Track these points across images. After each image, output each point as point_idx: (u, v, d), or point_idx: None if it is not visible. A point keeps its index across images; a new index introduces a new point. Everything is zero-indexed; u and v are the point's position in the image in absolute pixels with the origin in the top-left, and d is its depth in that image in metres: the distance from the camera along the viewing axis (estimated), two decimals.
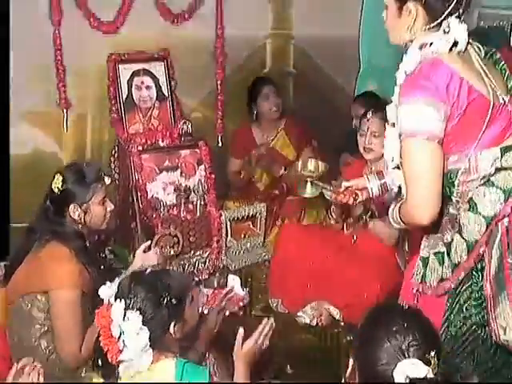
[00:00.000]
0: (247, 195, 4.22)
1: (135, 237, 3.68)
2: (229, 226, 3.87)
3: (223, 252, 3.87)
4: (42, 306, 2.59)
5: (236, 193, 4.29)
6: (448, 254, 2.19)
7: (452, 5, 2.08)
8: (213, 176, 3.82)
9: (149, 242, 2.86)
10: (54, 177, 2.67)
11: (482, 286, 2.14)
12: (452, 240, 2.18)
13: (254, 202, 4.03)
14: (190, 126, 3.87)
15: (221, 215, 3.81)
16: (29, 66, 3.68)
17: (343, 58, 4.71)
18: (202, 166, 3.82)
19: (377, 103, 4.13)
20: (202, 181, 3.81)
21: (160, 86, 3.96)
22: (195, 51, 4.21)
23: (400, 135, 2.12)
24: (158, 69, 3.96)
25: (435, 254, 2.23)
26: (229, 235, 3.89)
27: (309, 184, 2.80)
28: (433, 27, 2.11)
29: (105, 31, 3.83)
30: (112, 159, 3.94)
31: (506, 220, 2.09)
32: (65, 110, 3.81)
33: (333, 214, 3.52)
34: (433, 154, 2.09)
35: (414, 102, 2.05)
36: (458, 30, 2.10)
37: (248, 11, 4.24)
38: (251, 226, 4.03)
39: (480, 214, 2.12)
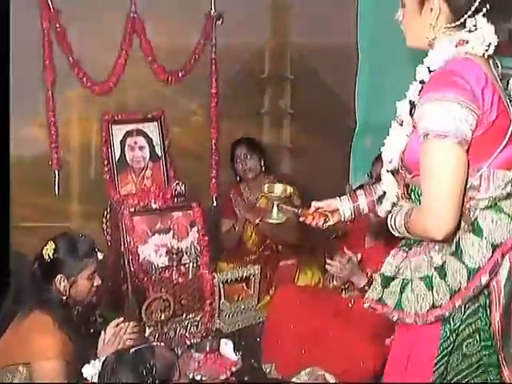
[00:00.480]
0: (240, 256, 4.17)
1: (126, 300, 3.62)
2: (222, 289, 3.81)
3: (216, 315, 3.80)
4: (23, 378, 2.53)
5: (229, 254, 4.24)
6: (442, 279, 1.97)
7: (476, 3, 1.93)
8: (206, 238, 3.77)
9: (121, 318, 2.77)
10: (47, 243, 2.65)
11: (489, 322, 1.98)
12: (444, 263, 1.99)
13: (247, 264, 3.99)
14: (183, 187, 3.84)
15: (214, 278, 3.75)
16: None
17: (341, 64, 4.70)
18: (195, 228, 3.78)
19: None
20: (195, 243, 3.77)
21: (153, 147, 3.95)
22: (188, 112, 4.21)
23: (424, 135, 1.88)
24: (152, 129, 3.96)
25: (421, 278, 2.02)
26: (222, 297, 3.83)
27: (275, 208, 2.57)
28: (456, 26, 1.97)
29: (98, 92, 3.81)
30: (103, 220, 3.89)
31: None
32: (56, 172, 3.78)
33: (334, 281, 3.47)
34: (461, 161, 1.88)
35: (447, 100, 1.84)
36: (487, 30, 1.96)
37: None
38: (245, 288, 3.97)
39: (486, 239, 1.94)
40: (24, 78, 3.56)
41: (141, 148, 3.92)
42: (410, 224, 2.00)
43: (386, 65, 4.66)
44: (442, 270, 1.99)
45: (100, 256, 2.75)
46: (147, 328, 3.53)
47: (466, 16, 1.95)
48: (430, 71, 1.97)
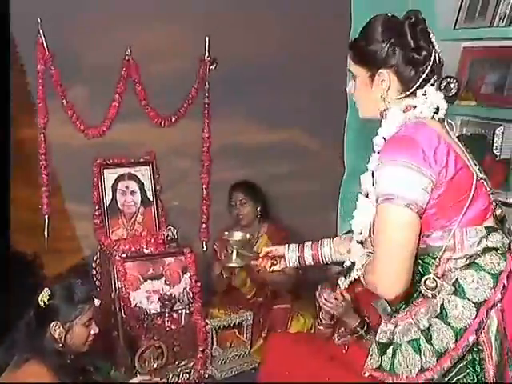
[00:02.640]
0: (233, 302, 4.11)
1: (117, 347, 3.54)
2: (214, 335, 3.78)
3: (209, 361, 3.75)
4: None
5: (221, 300, 4.18)
6: (429, 341, 1.99)
7: (426, 71, 2.03)
8: (198, 284, 3.73)
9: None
10: (43, 290, 2.61)
11: (476, 378, 1.97)
12: (430, 326, 2.00)
13: (239, 310, 3.94)
14: (175, 232, 3.81)
15: (207, 324, 3.72)
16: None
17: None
18: (188, 274, 3.73)
19: None
20: (187, 289, 3.72)
21: (145, 191, 3.92)
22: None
23: (376, 198, 1.95)
24: (144, 173, 3.93)
25: (409, 341, 2.03)
26: (214, 344, 3.79)
27: (234, 253, 2.75)
28: (406, 96, 2.05)
29: (91, 135, 3.79)
30: (93, 265, 3.83)
31: (498, 305, 1.97)
32: (46, 217, 3.72)
33: (322, 319, 3.44)
34: (410, 224, 1.92)
35: (396, 164, 1.90)
36: (436, 96, 2.05)
37: None
38: (237, 335, 3.93)
39: (468, 299, 1.96)
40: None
41: (132, 192, 3.89)
42: (365, 277, 2.08)
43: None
44: (428, 333, 2.00)
45: (97, 303, 2.71)
46: (139, 376, 3.45)
47: (414, 87, 2.04)
48: (385, 140, 2.04)
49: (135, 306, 3.59)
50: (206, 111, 4.12)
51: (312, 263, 2.55)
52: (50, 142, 3.73)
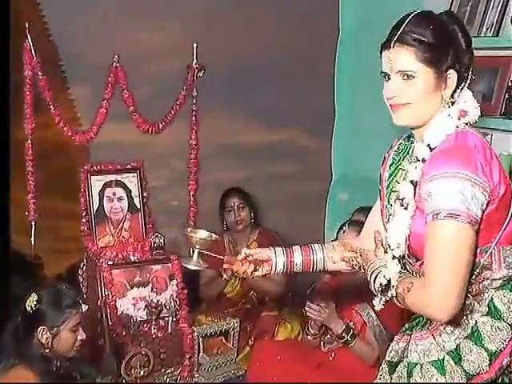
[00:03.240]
0: (219, 309, 4.11)
1: (104, 355, 3.52)
2: (201, 342, 3.77)
3: (195, 369, 3.75)
4: None
5: (208, 307, 4.19)
6: (457, 363, 1.91)
7: (469, 75, 1.96)
8: (185, 291, 3.71)
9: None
10: (30, 295, 2.61)
11: None
12: (458, 346, 1.93)
13: (226, 317, 3.95)
14: (162, 239, 3.80)
15: (193, 331, 3.71)
16: None
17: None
18: (174, 281, 3.72)
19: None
20: (174, 296, 3.70)
21: (132, 198, 3.89)
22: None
23: (434, 214, 1.82)
24: (131, 180, 3.90)
25: (432, 362, 1.96)
26: (201, 351, 3.78)
27: (196, 254, 2.41)
28: (452, 100, 1.96)
29: (78, 141, 3.76)
30: (80, 272, 3.81)
31: None
32: (33, 223, 3.70)
33: (310, 329, 3.44)
34: (471, 241, 1.83)
35: (459, 177, 1.79)
36: (474, 102, 1.98)
37: None
38: (224, 342, 3.92)
39: (505, 321, 1.90)
40: None
41: (119, 199, 3.86)
42: (408, 297, 1.92)
43: (363, 121, 4.73)
44: (456, 355, 1.94)
45: (84, 308, 2.71)
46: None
47: (462, 90, 1.96)
48: (430, 149, 1.93)
49: (122, 313, 3.56)
50: (194, 118, 4.10)
51: (301, 270, 2.31)
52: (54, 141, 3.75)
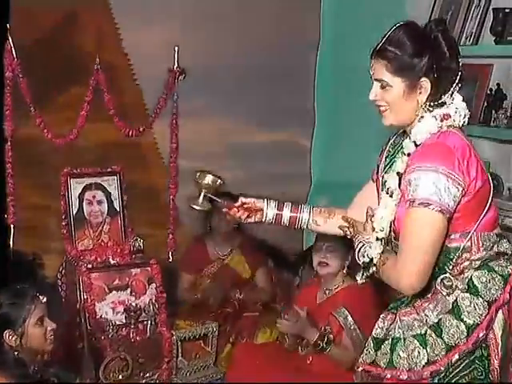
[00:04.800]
0: (199, 313, 4.11)
1: (82, 359, 3.51)
2: (180, 346, 3.77)
3: (174, 373, 3.74)
4: None
5: (187, 311, 4.17)
6: (438, 336, 2.11)
7: (457, 79, 2.13)
8: (164, 295, 3.71)
9: None
10: None
11: (485, 372, 2.10)
12: (440, 320, 2.12)
13: (205, 321, 3.94)
14: (141, 243, 3.79)
15: (172, 335, 3.70)
16: None
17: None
18: (153, 285, 3.72)
19: None
20: (153, 300, 3.70)
21: (112, 201, 3.89)
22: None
23: (410, 201, 2.06)
24: (111, 183, 3.90)
25: (415, 336, 2.14)
26: (179, 355, 3.79)
27: (202, 196, 2.61)
28: (439, 104, 2.14)
29: (59, 144, 3.75)
30: (59, 276, 3.80)
31: (506, 306, 2.12)
32: (12, 226, 3.67)
33: (287, 340, 3.46)
34: (440, 228, 2.06)
35: (433, 171, 2.02)
36: (461, 104, 2.16)
37: None
38: (202, 345, 3.92)
39: (482, 297, 2.10)
40: None
41: (99, 202, 3.86)
42: (383, 270, 2.17)
43: (343, 127, 4.75)
44: (437, 328, 2.12)
45: (43, 299, 2.68)
46: None
47: (447, 94, 2.13)
48: (416, 145, 2.14)
49: (100, 316, 3.56)
50: (174, 121, 4.10)
51: (287, 224, 2.54)
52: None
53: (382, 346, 2.22)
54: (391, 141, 2.38)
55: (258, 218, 2.56)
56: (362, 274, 2.29)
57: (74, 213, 3.78)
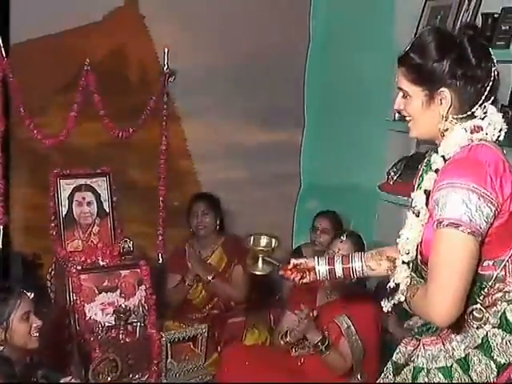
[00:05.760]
0: (187, 315, 4.13)
1: (71, 361, 3.50)
2: (169, 348, 3.76)
3: (163, 374, 3.73)
4: None
5: (176, 312, 4.18)
6: (465, 372, 1.96)
7: (487, 89, 1.94)
8: (153, 297, 3.71)
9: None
10: None
11: None
12: (467, 356, 1.97)
13: (194, 323, 3.94)
14: (131, 244, 3.78)
15: (161, 337, 3.69)
16: None
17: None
18: (143, 286, 3.71)
19: (341, 223, 4.23)
20: (143, 301, 3.70)
21: (101, 202, 3.88)
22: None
23: (438, 222, 1.88)
24: (100, 184, 3.89)
25: (439, 368, 2.01)
26: (169, 357, 3.78)
27: (260, 260, 2.61)
28: (468, 115, 1.97)
29: (49, 145, 3.74)
30: (48, 277, 3.79)
31: None
32: (1, 227, 3.66)
33: (288, 337, 3.44)
34: (472, 251, 1.86)
35: (463, 188, 1.84)
36: (497, 117, 1.98)
37: None
38: (192, 347, 3.91)
39: None
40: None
41: (89, 203, 3.85)
42: (413, 301, 2.00)
43: (333, 129, 4.78)
44: (464, 363, 1.98)
45: (30, 295, 2.69)
46: None
47: (476, 106, 1.96)
48: (444, 160, 1.97)
49: (90, 318, 3.55)
50: (164, 124, 4.10)
51: (342, 277, 2.43)
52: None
53: (402, 372, 2.13)
54: (426, 159, 2.19)
55: (312, 277, 2.45)
56: (388, 302, 2.13)
57: (64, 214, 3.78)
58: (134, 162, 4.27)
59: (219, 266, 4.29)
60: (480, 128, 1.96)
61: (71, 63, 3.90)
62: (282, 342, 3.46)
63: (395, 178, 4.31)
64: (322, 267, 2.43)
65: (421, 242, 2.02)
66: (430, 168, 2.02)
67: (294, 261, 2.49)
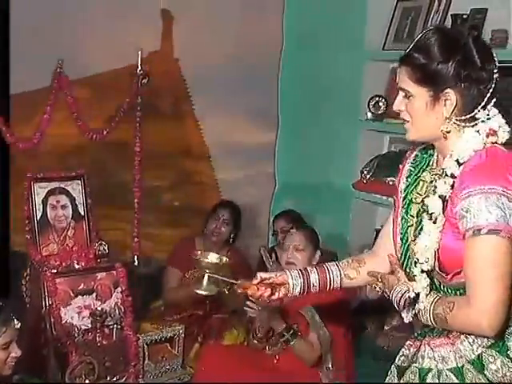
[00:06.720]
0: (170, 314, 4.17)
1: (48, 365, 3.50)
2: (146, 350, 3.76)
3: (140, 376, 3.73)
4: None
5: (157, 313, 4.22)
6: (480, 372, 1.94)
7: (490, 90, 1.93)
8: (130, 299, 3.71)
9: None
10: None
11: None
12: (480, 355, 1.96)
13: (171, 324, 3.95)
14: (106, 247, 3.78)
15: (138, 339, 3.70)
16: None
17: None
18: (119, 289, 3.71)
19: (299, 218, 4.27)
20: (119, 304, 3.70)
21: (76, 205, 3.86)
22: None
23: (474, 230, 1.84)
24: (75, 187, 3.87)
25: (451, 369, 1.99)
26: (146, 358, 3.78)
27: (206, 278, 2.37)
28: (471, 117, 1.95)
29: (21, 148, 3.72)
30: (23, 281, 3.76)
31: None
32: None
33: (257, 333, 3.48)
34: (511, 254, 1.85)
35: (494, 193, 1.83)
36: (500, 118, 1.98)
37: None
38: (169, 348, 3.92)
39: None
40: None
41: (63, 207, 3.82)
42: (452, 315, 1.91)
43: (307, 128, 4.80)
44: (478, 363, 1.96)
45: (17, 325, 2.67)
46: None
47: (479, 107, 1.94)
48: (459, 164, 1.94)
49: (66, 322, 3.53)
50: (138, 125, 4.10)
51: (317, 290, 2.31)
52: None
53: (406, 373, 2.10)
54: (410, 159, 2.19)
55: (283, 292, 2.29)
56: (408, 313, 2.03)
57: (38, 218, 3.75)
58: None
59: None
60: (494, 131, 1.95)
61: None
62: (255, 341, 3.49)
63: (368, 176, 4.35)
64: (295, 281, 2.29)
65: (438, 249, 1.98)
66: (446, 173, 1.96)
67: (261, 275, 2.31)
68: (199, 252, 2.55)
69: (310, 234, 3.55)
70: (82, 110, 3.84)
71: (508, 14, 3.71)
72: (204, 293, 2.44)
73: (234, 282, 2.34)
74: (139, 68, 4.03)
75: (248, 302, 3.35)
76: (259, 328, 3.47)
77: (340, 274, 2.31)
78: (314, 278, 2.30)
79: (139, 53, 4.01)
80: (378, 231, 3.92)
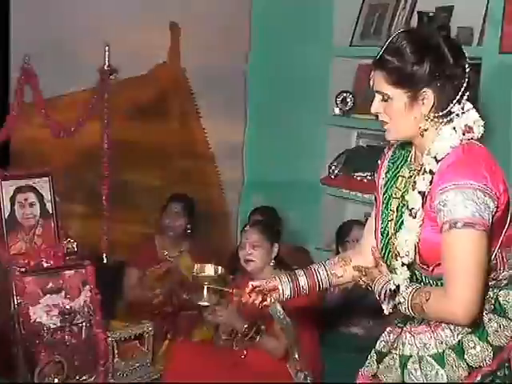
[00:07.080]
0: (138, 313, 4.14)
1: (16, 364, 3.47)
2: (115, 347, 3.75)
3: (110, 374, 3.72)
4: None
5: (126, 311, 4.21)
6: (460, 357, 2.00)
7: (463, 86, 1.99)
8: (98, 297, 3.68)
9: None
10: None
11: None
12: (460, 341, 2.02)
13: (141, 321, 3.93)
14: (74, 245, 3.76)
15: (107, 337, 3.68)
16: None
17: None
18: (87, 287, 3.68)
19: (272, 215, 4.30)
20: (88, 302, 3.67)
21: (44, 203, 3.82)
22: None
23: (451, 224, 1.90)
24: (43, 185, 3.83)
25: (431, 355, 2.04)
26: (115, 356, 3.76)
27: (205, 290, 2.60)
28: (447, 113, 2.00)
29: None
30: None
31: None
32: None
33: (222, 335, 3.50)
34: (487, 248, 1.93)
35: (469, 188, 1.89)
36: (474, 113, 2.03)
37: None
38: (138, 345, 3.91)
39: (509, 318, 2.02)
40: None
41: (31, 205, 3.78)
42: (428, 304, 1.97)
43: (275, 124, 4.82)
44: (459, 349, 2.02)
45: None
46: None
47: (454, 102, 1.99)
48: (437, 160, 1.99)
49: (34, 321, 3.50)
50: (106, 122, 4.08)
51: (307, 292, 2.38)
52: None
53: (385, 360, 2.16)
54: (388, 155, 2.25)
55: (274, 298, 2.38)
56: (388, 305, 2.10)
57: (6, 216, 3.70)
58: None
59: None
60: (470, 128, 2.01)
61: None
62: (221, 342, 3.52)
63: (336, 171, 4.39)
64: (285, 286, 2.37)
65: (418, 243, 2.03)
66: (424, 170, 2.01)
67: (252, 283, 2.39)
68: (196, 265, 2.74)
69: (264, 229, 3.53)
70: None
71: (473, 11, 3.77)
72: (206, 304, 2.68)
73: (230, 290, 2.49)
74: (106, 64, 4.01)
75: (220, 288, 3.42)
76: (223, 329, 3.50)
77: (327, 274, 2.37)
78: (303, 281, 2.37)
79: (106, 48, 3.99)
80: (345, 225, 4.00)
